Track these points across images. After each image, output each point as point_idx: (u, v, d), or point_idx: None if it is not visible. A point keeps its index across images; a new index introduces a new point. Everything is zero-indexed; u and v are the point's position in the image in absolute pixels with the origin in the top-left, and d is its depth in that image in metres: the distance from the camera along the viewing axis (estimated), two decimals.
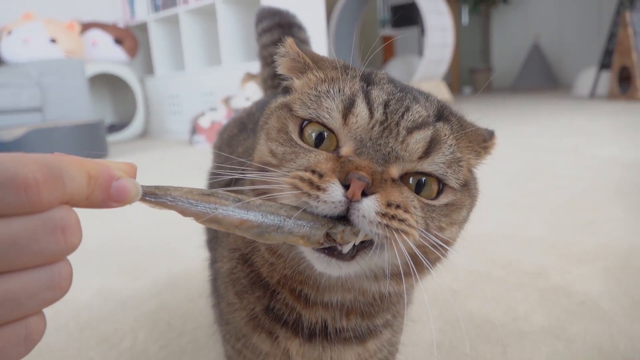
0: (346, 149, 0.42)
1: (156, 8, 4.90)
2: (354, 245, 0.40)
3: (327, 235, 0.38)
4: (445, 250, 0.45)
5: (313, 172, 0.39)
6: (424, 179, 0.43)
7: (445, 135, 0.44)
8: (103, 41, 4.75)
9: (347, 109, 0.42)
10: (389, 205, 0.39)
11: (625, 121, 3.65)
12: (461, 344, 0.89)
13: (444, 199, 0.44)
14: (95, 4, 5.09)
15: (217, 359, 0.92)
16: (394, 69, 7.03)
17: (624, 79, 5.29)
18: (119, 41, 4.84)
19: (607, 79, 5.66)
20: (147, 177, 0.55)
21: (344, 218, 0.39)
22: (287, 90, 0.52)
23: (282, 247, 0.47)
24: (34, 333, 0.28)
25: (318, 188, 0.38)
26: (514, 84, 8.38)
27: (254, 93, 3.89)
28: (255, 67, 4.14)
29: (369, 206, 0.38)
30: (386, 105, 0.43)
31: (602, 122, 3.69)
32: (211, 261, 0.67)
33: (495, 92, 8.11)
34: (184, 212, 0.34)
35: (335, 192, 0.38)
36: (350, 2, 6.50)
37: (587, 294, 1.06)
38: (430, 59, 5.87)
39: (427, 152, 0.42)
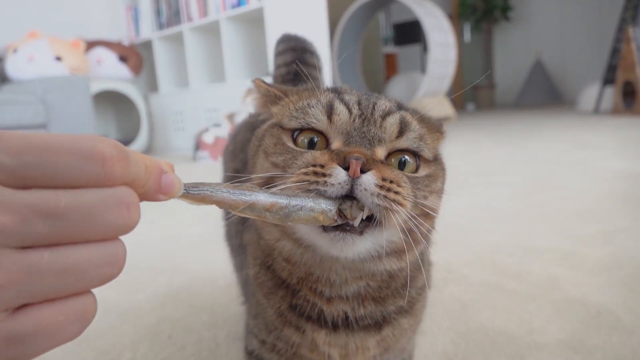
0: (337, 144, 0.49)
1: (161, 26, 4.94)
2: (362, 220, 0.46)
3: (339, 212, 0.44)
4: (433, 219, 0.53)
5: (314, 165, 0.46)
6: (404, 157, 0.51)
7: (409, 117, 0.53)
8: (108, 59, 4.78)
9: (330, 111, 0.50)
10: (384, 179, 0.45)
11: (630, 135, 3.62)
12: (474, 357, 0.86)
13: (423, 172, 0.52)
14: (100, 22, 5.14)
15: None
16: (397, 85, 7.05)
17: (628, 94, 5.29)
18: (123, 59, 4.87)
19: (611, 94, 5.65)
20: None
21: (348, 198, 0.45)
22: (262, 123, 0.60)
23: (296, 255, 0.53)
24: (89, 312, 0.30)
25: (324, 175, 0.44)
26: (517, 101, 8.39)
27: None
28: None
29: (369, 180, 0.44)
30: (359, 103, 0.51)
31: (607, 136, 3.66)
32: (239, 266, 0.75)
33: (499, 109, 8.11)
34: (222, 203, 0.36)
35: (339, 174, 0.44)
36: (352, 20, 6.56)
37: (604, 305, 1.02)
38: (433, 75, 5.89)
39: (401, 132, 0.50)
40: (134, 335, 1.05)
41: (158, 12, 4.94)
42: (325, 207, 0.42)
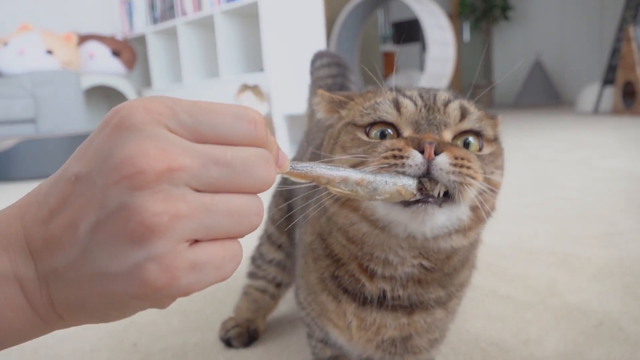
0: (408, 132, 0.53)
1: (155, 20, 4.85)
2: (439, 196, 0.49)
3: (419, 187, 0.47)
4: (496, 196, 0.57)
5: (393, 149, 0.50)
6: (468, 139, 0.55)
7: (468, 103, 0.57)
8: (100, 53, 4.69)
9: (397, 105, 0.55)
10: (456, 158, 0.49)
11: (631, 135, 3.55)
12: None
13: (487, 150, 0.56)
14: (93, 16, 5.05)
15: None
16: (395, 83, 6.95)
17: (628, 94, 5.21)
18: (116, 53, 4.78)
19: (610, 95, 5.57)
20: None
21: (425, 178, 0.49)
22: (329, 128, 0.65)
23: (371, 236, 0.56)
24: (239, 255, 0.35)
25: (402, 157, 0.48)
26: (516, 100, 8.31)
27: (250, 103, 3.80)
28: (253, 78, 4.09)
29: (443, 160, 0.48)
30: (421, 96, 0.56)
31: (607, 135, 3.59)
32: (299, 237, 0.76)
33: (497, 108, 8.03)
34: (320, 177, 0.40)
35: (416, 157, 0.48)
36: (351, 17, 6.47)
37: (607, 313, 0.94)
38: (431, 73, 5.80)
39: (463, 115, 0.54)
40: (96, 342, 0.96)
41: (152, 6, 4.85)
42: (407, 182, 0.45)
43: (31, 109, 3.79)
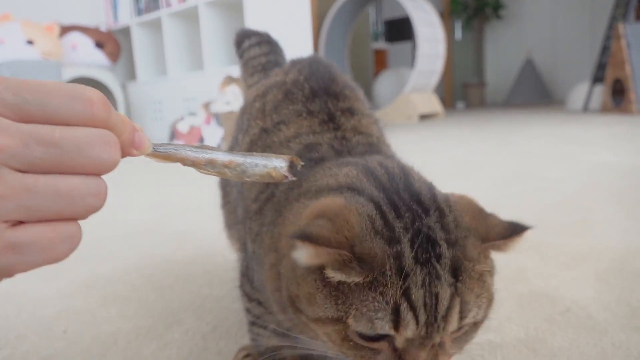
0: (401, 343, 0.46)
1: (139, 12, 4.77)
2: None
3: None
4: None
5: None
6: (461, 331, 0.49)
7: (468, 290, 0.46)
8: (83, 44, 4.59)
9: (397, 323, 0.45)
10: None
11: (619, 132, 3.49)
12: None
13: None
14: (77, 7, 4.95)
15: None
16: (386, 80, 6.90)
17: (617, 92, 5.16)
18: (100, 45, 4.68)
19: (600, 93, 5.54)
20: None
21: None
22: None
23: None
24: (76, 236, 0.34)
25: None
26: (507, 99, 8.28)
27: (235, 97, 3.72)
28: (237, 71, 4.00)
29: None
30: (425, 305, 0.45)
31: (595, 132, 3.53)
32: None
33: (489, 107, 7.99)
34: (185, 160, 0.39)
35: None
36: (341, 13, 6.40)
37: (575, 300, 0.87)
38: (421, 69, 5.74)
39: (460, 319, 0.46)
40: (24, 329, 0.89)
41: None
42: (278, 164, 0.43)
43: None
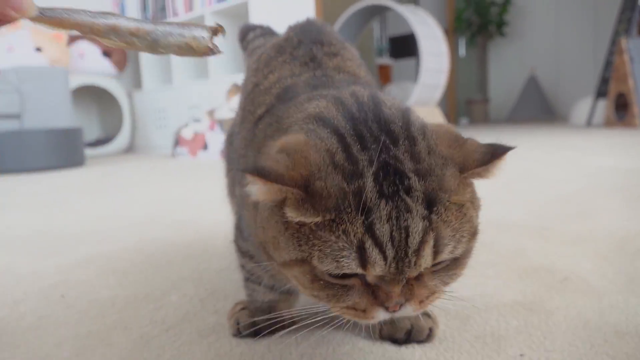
0: (372, 278, 0.46)
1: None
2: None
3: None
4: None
5: (356, 309, 0.47)
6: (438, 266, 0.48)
7: (444, 223, 0.45)
8: (91, 53, 4.67)
9: (364, 261, 0.43)
10: (421, 302, 0.47)
11: (621, 142, 3.50)
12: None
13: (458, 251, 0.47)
14: None
15: (101, 330, 0.73)
16: (390, 93, 6.95)
17: (621, 106, 5.17)
18: (107, 54, 4.75)
19: (603, 108, 5.55)
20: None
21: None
22: None
23: None
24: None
25: (366, 318, 0.47)
26: (511, 115, 8.30)
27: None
28: (243, 78, 4.03)
29: (407, 310, 0.47)
30: (392, 239, 0.43)
31: (598, 142, 3.54)
32: None
33: (492, 123, 8.01)
34: (82, 26, 0.35)
35: (380, 315, 0.47)
36: (346, 27, 6.47)
37: (574, 272, 0.87)
38: (424, 83, 5.77)
39: (436, 254, 0.45)
40: (22, 294, 0.89)
41: (144, 7, 4.84)
42: (198, 34, 0.39)
43: (16, 104, 3.73)
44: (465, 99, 8.98)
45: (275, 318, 0.67)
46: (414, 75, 8.66)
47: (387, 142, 0.46)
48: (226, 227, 0.95)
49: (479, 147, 0.49)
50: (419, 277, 0.46)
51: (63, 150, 3.60)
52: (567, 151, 3.01)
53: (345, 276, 0.46)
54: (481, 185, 0.50)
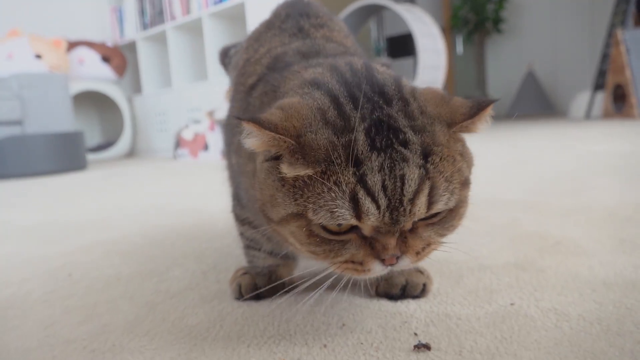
0: (368, 230, 0.48)
1: (145, 26, 4.87)
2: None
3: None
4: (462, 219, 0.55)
5: (354, 262, 0.49)
6: (433, 217, 0.50)
7: (439, 174, 0.47)
8: (90, 59, 4.70)
9: (357, 212, 0.45)
10: (417, 253, 0.49)
11: (618, 131, 3.51)
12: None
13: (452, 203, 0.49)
14: (85, 23, 5.07)
15: (107, 300, 0.75)
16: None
17: (619, 97, 5.19)
18: (106, 59, 4.79)
19: (601, 100, 5.57)
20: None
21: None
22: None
23: None
24: None
25: (363, 271, 0.49)
26: (510, 111, 8.32)
27: None
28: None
29: (404, 263, 0.49)
30: (384, 188, 0.45)
31: (595, 132, 3.56)
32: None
33: (491, 119, 8.02)
34: None
35: (377, 268, 0.49)
36: None
37: (566, 236, 0.89)
38: (422, 80, 5.80)
39: (430, 204, 0.47)
40: (29, 274, 0.91)
41: (142, 12, 4.88)
42: None
43: (17, 110, 3.76)
44: (464, 96, 9.00)
45: (276, 282, 0.69)
46: (412, 74, 8.69)
47: (381, 102, 0.49)
48: (228, 212, 0.98)
49: (464, 103, 0.52)
50: (414, 230, 0.49)
51: (65, 154, 3.63)
52: (564, 140, 3.03)
53: (341, 233, 0.48)
54: (477, 170, 0.53)
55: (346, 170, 0.45)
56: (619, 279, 0.66)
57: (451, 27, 9.09)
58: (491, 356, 0.50)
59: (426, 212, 0.47)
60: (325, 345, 0.54)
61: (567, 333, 0.53)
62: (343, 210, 0.45)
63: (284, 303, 0.67)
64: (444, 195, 0.47)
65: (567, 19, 8.16)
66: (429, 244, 0.50)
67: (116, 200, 1.87)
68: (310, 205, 0.46)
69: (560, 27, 8.27)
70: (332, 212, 0.46)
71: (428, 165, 0.46)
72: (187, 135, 3.97)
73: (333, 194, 0.45)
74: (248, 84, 0.68)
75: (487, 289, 0.66)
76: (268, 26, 0.77)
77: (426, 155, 0.47)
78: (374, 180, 0.45)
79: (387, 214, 0.46)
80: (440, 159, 0.47)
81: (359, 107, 0.48)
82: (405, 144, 0.46)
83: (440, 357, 0.50)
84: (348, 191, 0.45)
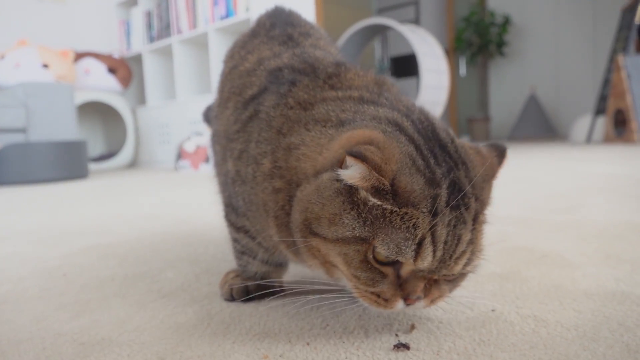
0: (406, 272, 0.52)
1: (151, 39, 4.95)
2: None
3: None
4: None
5: (379, 296, 0.53)
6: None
7: (478, 240, 0.56)
8: (96, 69, 4.76)
9: (417, 254, 0.50)
10: (432, 301, 0.54)
11: (618, 155, 3.54)
12: None
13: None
14: (92, 35, 5.15)
15: (100, 298, 0.76)
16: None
17: (619, 122, 5.23)
18: (112, 70, 4.85)
19: (602, 124, 5.61)
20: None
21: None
22: None
23: None
24: None
25: (386, 306, 0.53)
26: (512, 134, 8.36)
27: None
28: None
29: (419, 306, 0.53)
30: (445, 243, 0.50)
31: (595, 155, 3.58)
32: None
33: (493, 141, 8.06)
34: None
35: (398, 306, 0.53)
36: (347, 45, 6.59)
37: (553, 250, 0.90)
38: (425, 100, 5.85)
39: (465, 265, 0.53)
40: (26, 273, 0.93)
41: (149, 26, 4.96)
42: None
43: (22, 118, 3.81)
44: (467, 117, 9.06)
45: (268, 287, 0.71)
46: (416, 93, 8.77)
47: (452, 164, 0.53)
48: (221, 224, 1.00)
49: (490, 153, 0.59)
50: (437, 281, 0.54)
51: (67, 163, 3.67)
52: (563, 162, 3.05)
53: (386, 263, 0.52)
54: None
55: (425, 218, 0.49)
56: (600, 290, 0.68)
57: (455, 49, 9.19)
58: (467, 357, 0.51)
59: (460, 270, 0.53)
60: (308, 343, 0.56)
61: (543, 337, 0.54)
62: (408, 250, 0.49)
63: (271, 305, 0.68)
64: (476, 260, 0.55)
65: (570, 44, 8.26)
66: (441, 295, 0.55)
67: (116, 208, 1.89)
68: (382, 236, 0.50)
69: (563, 51, 8.36)
70: (399, 247, 0.49)
71: (475, 231, 0.53)
72: (189, 147, 4.01)
73: (407, 234, 0.49)
74: (247, 95, 0.68)
75: (470, 297, 0.68)
76: (253, 35, 0.79)
77: (475, 219, 0.53)
78: (441, 233, 0.50)
79: (436, 264, 0.51)
80: (481, 226, 0.55)
81: (439, 164, 0.52)
82: (467, 207, 0.52)
83: (419, 357, 0.52)
84: (420, 235, 0.49)
